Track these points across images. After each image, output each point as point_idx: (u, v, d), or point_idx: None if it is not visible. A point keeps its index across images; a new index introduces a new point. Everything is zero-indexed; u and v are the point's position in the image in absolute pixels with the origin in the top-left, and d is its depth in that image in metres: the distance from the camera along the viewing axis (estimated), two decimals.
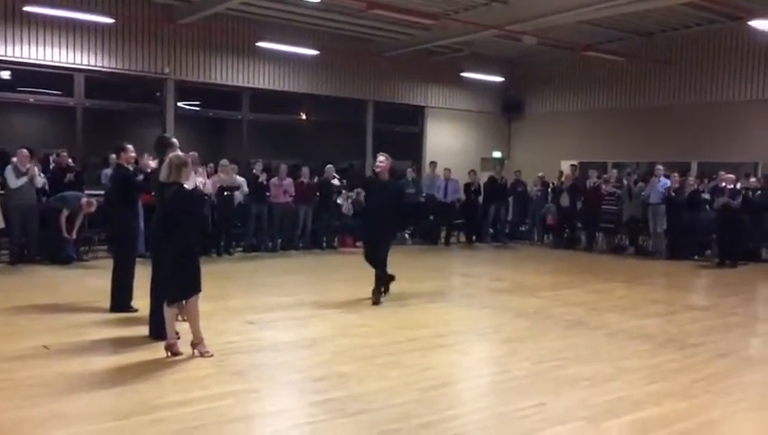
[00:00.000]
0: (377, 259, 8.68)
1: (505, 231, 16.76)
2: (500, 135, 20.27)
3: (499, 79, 18.91)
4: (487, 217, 16.51)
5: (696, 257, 13.71)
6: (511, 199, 16.75)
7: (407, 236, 15.36)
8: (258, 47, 14.93)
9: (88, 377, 5.29)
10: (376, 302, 8.51)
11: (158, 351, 5.93)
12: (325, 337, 6.79)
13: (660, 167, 14.42)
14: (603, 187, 15.06)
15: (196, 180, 6.88)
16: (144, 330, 6.55)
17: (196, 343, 5.87)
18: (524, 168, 17.69)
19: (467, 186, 16.36)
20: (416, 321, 7.71)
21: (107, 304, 7.69)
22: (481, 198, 16.48)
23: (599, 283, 10.99)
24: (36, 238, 11.01)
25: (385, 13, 13.16)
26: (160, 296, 6.13)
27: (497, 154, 19.97)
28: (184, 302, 5.96)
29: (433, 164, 16.71)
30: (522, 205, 16.83)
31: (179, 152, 6.35)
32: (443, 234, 16.13)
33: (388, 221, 8.87)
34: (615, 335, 7.14)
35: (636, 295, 9.90)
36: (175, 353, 5.84)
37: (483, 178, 17.02)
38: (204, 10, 13.51)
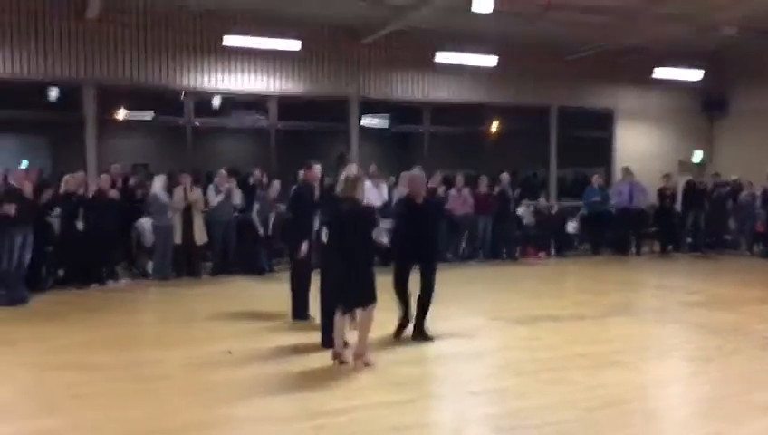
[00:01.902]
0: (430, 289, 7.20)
1: (706, 239, 15.40)
2: (700, 135, 18.69)
3: (698, 74, 17.43)
4: (685, 225, 15.31)
5: None
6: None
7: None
8: (437, 61, 15.09)
9: (261, 382, 5.64)
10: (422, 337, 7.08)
11: (327, 359, 6.19)
12: (491, 350, 6.68)
13: None
14: None
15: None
16: (318, 338, 6.86)
17: (360, 354, 6.02)
18: (730, 170, 16.18)
19: (661, 191, 15.30)
20: (591, 336, 7.34)
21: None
22: (678, 205, 15.34)
23: None
24: (234, 251, 11.97)
25: (564, 13, 12.72)
26: (329, 306, 6.40)
27: (698, 156, 18.44)
28: (359, 310, 6.12)
29: (626, 169, 15.76)
30: (724, 210, 15.40)
31: (354, 168, 6.54)
32: (633, 243, 15.20)
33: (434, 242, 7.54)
34: None
35: None
36: (342, 362, 6.05)
37: (681, 182, 15.82)
38: (384, 28, 13.95)
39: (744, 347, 6.69)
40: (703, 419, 4.71)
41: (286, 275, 11.68)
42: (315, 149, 15.70)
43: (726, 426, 4.51)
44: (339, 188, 6.26)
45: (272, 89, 14.31)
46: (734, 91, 18.15)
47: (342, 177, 6.20)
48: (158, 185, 11.29)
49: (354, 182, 6.09)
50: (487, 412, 4.78)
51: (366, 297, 6.00)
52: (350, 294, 6.05)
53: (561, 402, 5.00)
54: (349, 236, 6.06)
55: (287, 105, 14.70)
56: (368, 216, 6.28)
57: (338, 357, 6.08)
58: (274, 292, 10.30)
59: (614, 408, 4.95)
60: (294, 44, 13.74)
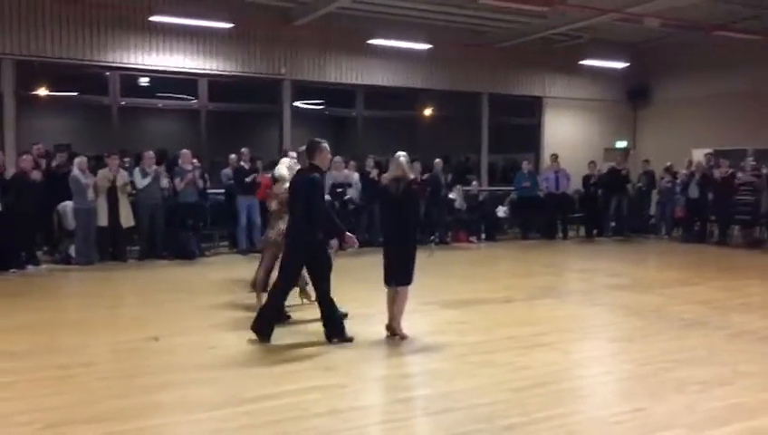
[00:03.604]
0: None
1: (628, 224, 15.92)
2: (625, 124, 19.29)
3: (623, 65, 17.97)
4: (608, 210, 15.80)
5: None
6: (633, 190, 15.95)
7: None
8: (371, 44, 15.03)
9: (189, 368, 5.52)
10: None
11: (256, 345, 6.13)
12: (422, 333, 6.70)
13: None
14: (740, 175, 14.00)
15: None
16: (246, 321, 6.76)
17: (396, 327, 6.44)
18: (652, 157, 16.75)
19: (587, 178, 15.73)
20: (519, 318, 7.49)
21: (221, 297, 8.16)
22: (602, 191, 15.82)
23: (729, 279, 10.24)
24: (162, 235, 11.67)
25: (495, 2, 12.86)
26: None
27: (622, 144, 19.03)
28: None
29: (554, 156, 16.13)
30: (648, 197, 16.00)
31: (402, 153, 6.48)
32: (560, 228, 15.60)
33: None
34: (738, 337, 6.60)
35: None
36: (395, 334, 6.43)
37: (606, 169, 16.30)
38: (317, 10, 13.78)
39: (664, 328, 6.95)
40: (626, 397, 4.87)
41: (217, 260, 11.62)
42: (247, 131, 15.51)
43: (648, 403, 4.67)
44: (391, 170, 6.50)
45: (202, 68, 13.95)
46: (656, 81, 18.77)
47: (395, 161, 6.41)
48: (77, 167, 10.87)
49: (407, 164, 6.41)
50: (419, 395, 4.81)
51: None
52: (409, 273, 6.33)
53: (491, 384, 5.08)
54: (401, 215, 6.34)
55: (218, 86, 14.36)
56: (416, 195, 6.62)
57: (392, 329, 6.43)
58: (203, 277, 10.16)
59: (542, 388, 5.05)
60: (225, 24, 13.44)
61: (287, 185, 6.92)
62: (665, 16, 14.20)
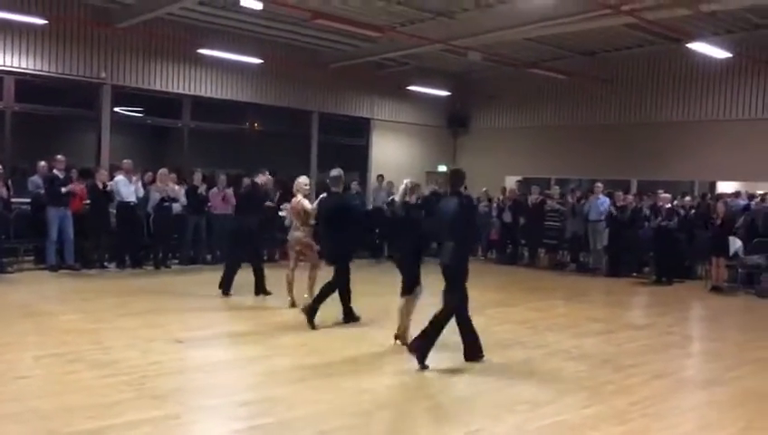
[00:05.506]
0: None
1: None
2: (446, 149, 20.28)
3: (445, 93, 18.93)
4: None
5: (634, 274, 13.85)
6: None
7: None
8: (200, 54, 14.56)
9: None
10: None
11: (71, 371, 5.63)
12: (259, 357, 6.51)
13: (599, 184, 14.60)
14: (548, 202, 15.15)
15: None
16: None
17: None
18: (470, 182, 17.61)
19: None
20: (357, 339, 7.49)
21: (27, 319, 7.28)
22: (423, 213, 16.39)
23: (539, 300, 10.99)
24: None
25: (329, 23, 12.98)
26: None
27: (443, 168, 19.94)
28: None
29: (380, 177, 16.56)
30: None
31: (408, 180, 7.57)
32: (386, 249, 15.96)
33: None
34: (553, 355, 7.07)
35: (575, 313, 9.91)
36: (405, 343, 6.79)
37: (428, 192, 16.94)
38: (143, 14, 13.07)
39: (489, 348, 7.23)
40: (464, 417, 5.00)
41: (22, 277, 10.57)
42: (59, 136, 14.34)
43: (486, 423, 4.83)
44: (400, 195, 7.50)
45: (8, 66, 12.68)
46: (475, 110, 19.96)
47: (403, 186, 7.46)
48: None
49: (412, 189, 7.38)
50: (259, 424, 4.62)
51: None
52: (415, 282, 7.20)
53: (332, 410, 5.01)
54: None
55: (27, 86, 13.12)
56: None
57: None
58: (3, 296, 9.14)
59: (382, 412, 5.08)
60: (37, 20, 12.34)
61: (299, 198, 8.60)
62: (486, 51, 15.13)
